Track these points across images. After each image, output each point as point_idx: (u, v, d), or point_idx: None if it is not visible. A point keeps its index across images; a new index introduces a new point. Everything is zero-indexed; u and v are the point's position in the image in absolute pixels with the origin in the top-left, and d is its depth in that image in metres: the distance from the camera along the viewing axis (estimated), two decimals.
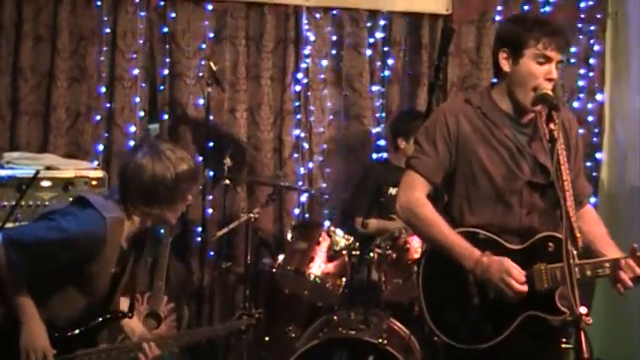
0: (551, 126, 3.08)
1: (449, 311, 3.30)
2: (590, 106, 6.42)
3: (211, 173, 5.71)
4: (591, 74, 6.43)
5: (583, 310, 2.71)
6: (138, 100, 5.65)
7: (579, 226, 3.16)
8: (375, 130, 6.12)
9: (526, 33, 3.23)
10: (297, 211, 6.00)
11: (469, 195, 3.38)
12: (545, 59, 3.21)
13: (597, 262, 3.18)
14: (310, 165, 6.04)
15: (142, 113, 5.69)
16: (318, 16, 5.99)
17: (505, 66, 3.33)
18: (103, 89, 5.60)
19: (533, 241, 3.25)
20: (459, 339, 3.28)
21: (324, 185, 6.06)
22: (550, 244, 3.20)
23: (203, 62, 5.67)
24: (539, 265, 3.17)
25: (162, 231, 5.48)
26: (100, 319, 3.53)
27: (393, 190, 5.39)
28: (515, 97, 3.32)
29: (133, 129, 5.62)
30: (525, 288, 3.11)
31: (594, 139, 6.44)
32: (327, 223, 5.23)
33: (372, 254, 4.89)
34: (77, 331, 3.43)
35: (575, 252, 3.00)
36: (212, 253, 5.78)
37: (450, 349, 3.33)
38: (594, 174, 6.44)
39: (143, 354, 3.57)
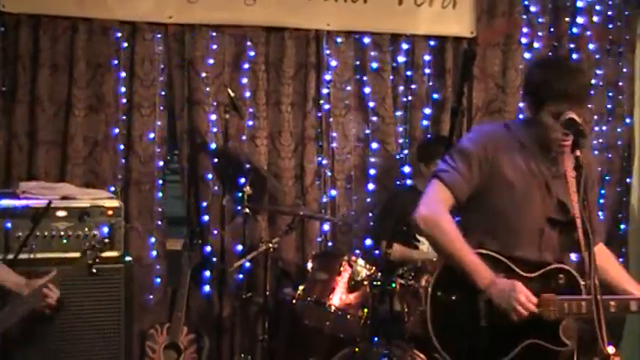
0: (577, 153, 3.07)
1: (454, 331, 3.31)
2: (619, 129, 6.29)
3: (231, 202, 5.61)
4: (620, 97, 6.32)
5: (611, 349, 2.75)
6: (156, 127, 5.58)
7: (604, 267, 3.41)
8: (399, 156, 6.00)
9: (545, 93, 3.26)
10: (319, 239, 5.89)
11: (495, 222, 3.39)
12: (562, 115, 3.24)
13: (624, 300, 3.27)
14: (333, 192, 5.92)
15: (160, 141, 5.62)
16: (339, 40, 5.90)
17: (529, 111, 3.41)
18: (121, 117, 5.53)
19: (545, 272, 3.29)
20: (461, 357, 3.30)
21: (353, 213, 5.97)
22: (561, 275, 3.27)
23: (222, 89, 5.59)
24: (548, 295, 3.20)
25: (182, 260, 5.44)
26: None
27: None
28: (539, 137, 3.37)
29: (151, 157, 5.56)
30: (533, 309, 3.16)
31: (624, 164, 6.32)
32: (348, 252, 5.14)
33: (394, 284, 4.77)
34: None
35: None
36: (232, 283, 5.67)
37: None
38: (624, 198, 6.33)
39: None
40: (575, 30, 6.23)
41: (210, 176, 5.66)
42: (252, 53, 5.74)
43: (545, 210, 3.35)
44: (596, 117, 6.28)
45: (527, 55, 6.12)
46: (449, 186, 3.38)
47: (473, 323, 3.28)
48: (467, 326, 3.30)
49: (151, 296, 5.57)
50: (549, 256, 3.35)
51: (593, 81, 6.24)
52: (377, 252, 5.52)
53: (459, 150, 3.44)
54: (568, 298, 3.19)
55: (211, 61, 5.66)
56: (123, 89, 5.54)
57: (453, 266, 3.34)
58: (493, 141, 3.41)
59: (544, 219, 3.35)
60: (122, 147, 5.55)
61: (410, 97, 6.05)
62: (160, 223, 5.63)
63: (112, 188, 5.45)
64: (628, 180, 6.34)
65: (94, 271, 4.28)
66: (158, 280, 5.60)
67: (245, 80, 5.73)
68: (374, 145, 5.99)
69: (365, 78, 5.97)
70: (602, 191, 6.27)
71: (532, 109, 3.35)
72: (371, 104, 5.98)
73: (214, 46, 5.67)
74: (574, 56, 6.21)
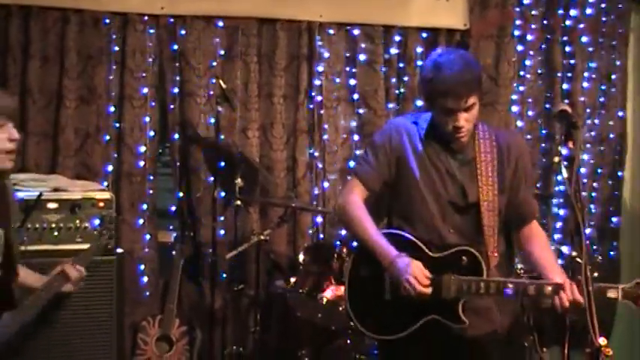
0: (570, 144, 3.13)
1: (366, 303, 3.61)
2: (611, 122, 6.28)
3: (222, 194, 5.59)
4: (613, 90, 6.31)
5: (602, 341, 2.79)
6: (148, 119, 5.55)
7: (529, 249, 3.64)
8: None
9: (430, 90, 3.45)
10: (311, 231, 5.88)
11: (407, 208, 3.63)
12: (450, 111, 3.40)
13: (521, 283, 3.43)
14: (325, 184, 5.91)
15: (152, 133, 5.59)
16: (331, 32, 5.87)
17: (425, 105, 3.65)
18: (112, 109, 5.50)
19: (451, 253, 3.48)
20: (370, 328, 3.59)
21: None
22: (464, 257, 3.45)
23: (214, 80, 5.56)
24: (449, 274, 3.40)
25: (173, 253, 5.43)
26: None
27: None
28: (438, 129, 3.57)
29: (142, 149, 5.53)
30: (427, 290, 3.38)
31: (616, 157, 6.32)
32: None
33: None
34: None
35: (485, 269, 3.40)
36: (224, 275, 5.66)
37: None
38: (616, 192, 6.31)
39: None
40: (568, 22, 6.21)
41: (201, 168, 5.64)
42: (244, 45, 5.71)
43: (446, 195, 3.56)
44: (588, 110, 6.28)
45: (520, 48, 6.11)
46: (360, 178, 3.69)
47: (380, 297, 3.55)
48: (376, 300, 3.56)
49: (143, 288, 5.55)
50: (455, 239, 3.54)
51: (585, 74, 6.25)
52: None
53: (370, 143, 3.76)
54: (467, 279, 3.38)
55: (203, 52, 5.63)
56: (114, 81, 5.50)
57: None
58: (399, 132, 3.65)
59: (446, 203, 3.56)
60: (113, 139, 5.52)
61: (402, 90, 6.04)
62: (151, 215, 5.61)
63: (104, 180, 5.42)
64: (620, 173, 6.33)
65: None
66: (150, 272, 5.58)
67: (237, 72, 5.71)
68: (364, 138, 5.95)
69: (357, 70, 5.95)
70: (594, 184, 6.29)
71: (426, 104, 3.56)
72: (363, 96, 5.96)
73: (206, 38, 5.64)
74: (567, 49, 6.21)
